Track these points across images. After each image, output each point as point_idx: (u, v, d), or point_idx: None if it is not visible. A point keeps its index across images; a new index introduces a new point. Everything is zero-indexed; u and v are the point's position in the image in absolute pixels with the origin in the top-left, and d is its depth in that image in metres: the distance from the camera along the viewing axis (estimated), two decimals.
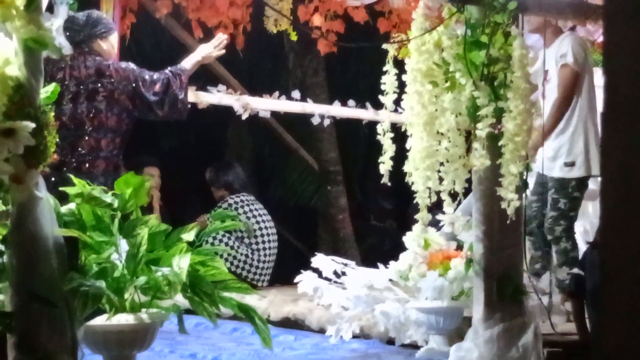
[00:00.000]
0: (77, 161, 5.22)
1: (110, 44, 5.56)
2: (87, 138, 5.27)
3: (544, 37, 5.87)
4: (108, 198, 3.87)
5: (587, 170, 5.90)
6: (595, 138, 5.92)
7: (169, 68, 5.50)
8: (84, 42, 5.44)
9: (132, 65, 5.45)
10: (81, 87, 5.31)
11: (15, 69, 3.45)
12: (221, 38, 5.67)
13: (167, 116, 5.48)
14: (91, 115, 5.29)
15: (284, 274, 7.67)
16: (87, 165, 5.24)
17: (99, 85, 5.32)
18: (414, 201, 4.72)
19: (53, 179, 4.84)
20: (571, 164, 5.86)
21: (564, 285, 5.68)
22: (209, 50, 5.64)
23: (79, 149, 5.23)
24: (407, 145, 4.75)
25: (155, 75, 5.44)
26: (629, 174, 1.63)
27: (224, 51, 5.71)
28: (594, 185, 6.46)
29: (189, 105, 5.61)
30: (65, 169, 5.10)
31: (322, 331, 5.87)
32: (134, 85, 5.35)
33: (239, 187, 8.26)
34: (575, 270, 5.20)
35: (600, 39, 6.59)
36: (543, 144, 5.66)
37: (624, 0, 1.69)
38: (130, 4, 7.48)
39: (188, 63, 5.58)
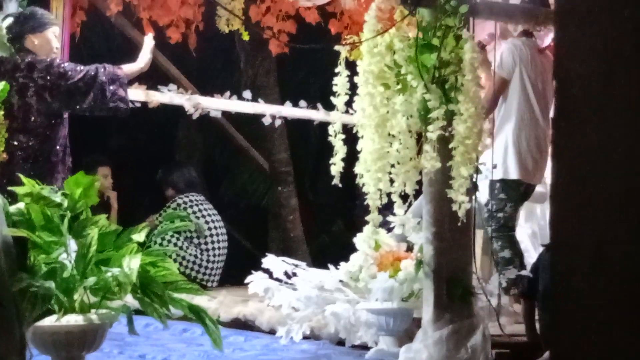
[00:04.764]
0: None
1: (45, 39, 5.51)
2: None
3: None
4: (57, 198, 3.84)
5: (504, 172, 5.95)
6: (516, 141, 5.96)
7: (105, 64, 5.54)
8: (15, 39, 5.40)
9: (50, 59, 5.43)
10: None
11: None
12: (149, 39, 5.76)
13: (95, 107, 5.45)
14: (5, 110, 5.28)
15: (234, 274, 7.65)
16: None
17: (13, 80, 5.28)
18: (364, 202, 4.74)
19: None
20: (494, 167, 5.91)
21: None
22: (147, 56, 5.72)
23: None
24: (359, 147, 4.77)
25: (80, 67, 5.43)
26: (578, 177, 1.65)
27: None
28: (542, 188, 6.52)
29: (128, 103, 5.59)
30: None
31: (272, 332, 5.86)
32: (52, 77, 5.34)
33: (188, 187, 8.22)
34: (524, 272, 5.25)
35: (547, 44, 6.63)
36: None
37: (574, 5, 1.71)
38: (80, 2, 7.41)
39: (128, 67, 5.62)
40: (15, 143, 5.26)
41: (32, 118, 5.35)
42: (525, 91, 6.01)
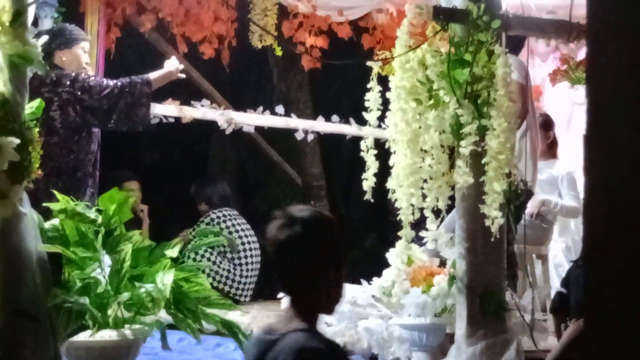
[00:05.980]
0: None
1: (73, 55, 5.54)
2: None
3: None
4: (92, 214, 3.87)
5: None
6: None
7: (132, 77, 5.55)
8: (44, 56, 5.46)
9: (75, 74, 5.44)
10: None
11: (0, 85, 3.45)
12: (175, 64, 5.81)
13: (120, 123, 5.48)
14: None
15: (267, 289, 7.65)
16: None
17: (39, 96, 5.33)
18: (397, 219, 4.74)
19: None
20: None
21: None
22: (175, 65, 5.76)
23: None
24: (391, 162, 4.76)
25: (106, 83, 5.45)
26: (611, 192, 1.65)
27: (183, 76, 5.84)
28: (575, 202, 6.48)
29: (149, 117, 5.62)
30: None
31: None
32: (76, 91, 5.36)
33: (221, 202, 8.24)
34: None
35: (583, 57, 6.62)
36: None
37: (607, 19, 1.70)
38: (115, 18, 7.47)
39: (153, 75, 5.66)
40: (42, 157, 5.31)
41: (58, 132, 5.38)
42: (530, 106, 6.02)
